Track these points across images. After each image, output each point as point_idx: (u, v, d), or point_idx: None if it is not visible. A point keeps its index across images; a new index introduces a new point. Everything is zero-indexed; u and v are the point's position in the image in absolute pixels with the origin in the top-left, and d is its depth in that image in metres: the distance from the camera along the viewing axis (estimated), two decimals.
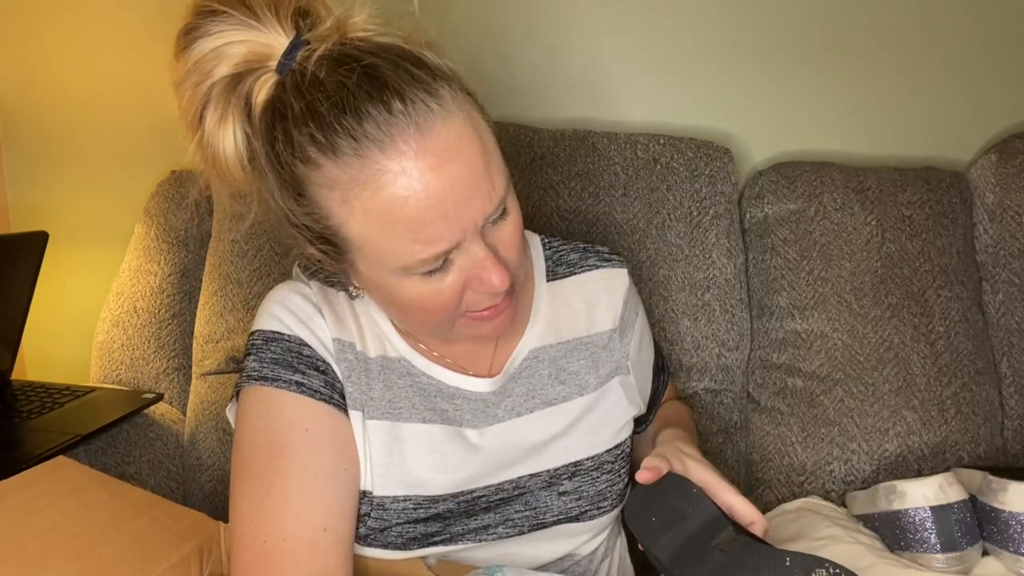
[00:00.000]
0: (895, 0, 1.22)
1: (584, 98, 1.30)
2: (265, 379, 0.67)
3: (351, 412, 0.69)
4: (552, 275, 0.80)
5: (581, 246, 0.83)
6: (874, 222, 1.13)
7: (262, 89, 0.61)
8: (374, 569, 0.70)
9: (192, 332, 1.23)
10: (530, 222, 1.16)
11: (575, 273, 0.81)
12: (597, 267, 0.81)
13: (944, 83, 1.25)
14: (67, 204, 1.43)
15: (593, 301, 0.80)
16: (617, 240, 1.14)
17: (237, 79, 0.61)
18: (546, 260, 0.81)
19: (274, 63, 0.60)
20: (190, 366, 1.22)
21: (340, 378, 0.69)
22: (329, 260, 0.66)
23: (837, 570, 0.55)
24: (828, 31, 1.24)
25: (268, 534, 0.62)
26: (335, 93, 0.57)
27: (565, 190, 1.16)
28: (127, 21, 1.36)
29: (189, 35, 0.62)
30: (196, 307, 1.23)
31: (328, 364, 0.69)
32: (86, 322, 1.32)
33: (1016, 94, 1.25)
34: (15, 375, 1.22)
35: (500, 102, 1.30)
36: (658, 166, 1.17)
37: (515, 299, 0.69)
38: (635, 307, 0.84)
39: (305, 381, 0.67)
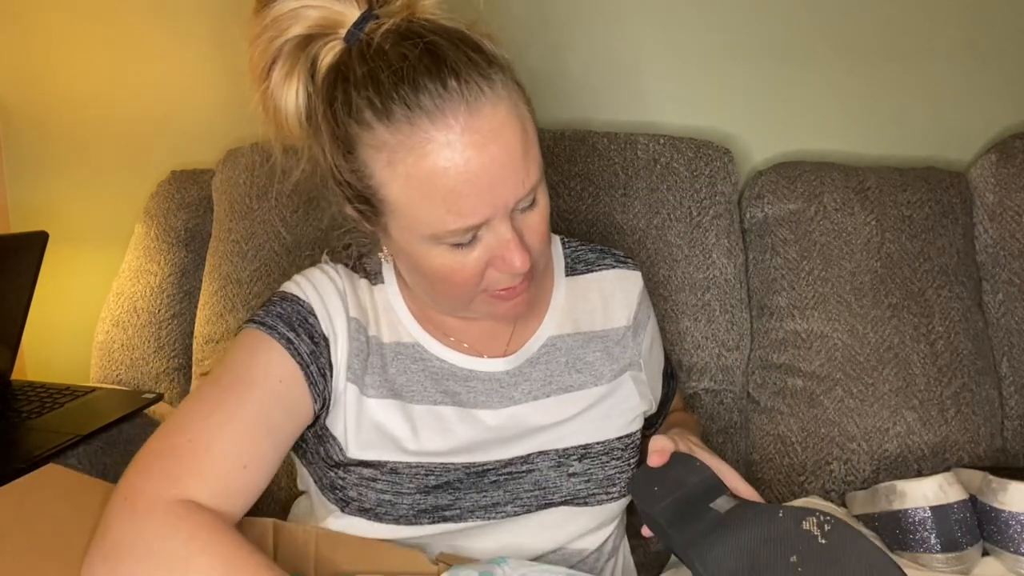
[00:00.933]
0: (895, 0, 1.22)
1: (584, 98, 1.30)
2: (264, 325, 0.71)
3: (349, 386, 0.71)
4: (571, 271, 0.84)
5: (598, 247, 0.87)
6: (874, 222, 1.13)
7: (328, 54, 0.65)
8: (376, 558, 0.70)
9: (192, 332, 1.23)
10: None
11: (592, 271, 0.85)
12: (613, 267, 0.85)
13: (944, 83, 1.25)
14: (67, 204, 1.43)
15: (609, 298, 0.83)
16: (617, 240, 1.15)
17: (308, 40, 0.66)
18: (565, 257, 0.85)
19: (343, 31, 0.65)
20: (190, 366, 1.22)
21: (339, 353, 0.72)
22: (364, 221, 0.70)
23: (827, 517, 0.56)
24: (828, 31, 1.24)
25: (196, 437, 0.64)
26: (396, 63, 0.61)
27: (565, 190, 1.16)
28: (127, 21, 1.36)
29: None
30: (196, 307, 1.23)
31: (326, 339, 0.72)
32: (86, 322, 1.32)
33: (1016, 94, 1.25)
34: (15, 375, 1.22)
35: None
36: (658, 166, 1.17)
37: (533, 286, 0.72)
38: (647, 310, 0.87)
39: (295, 341, 0.70)
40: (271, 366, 0.69)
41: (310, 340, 0.71)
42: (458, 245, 0.65)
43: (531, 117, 0.67)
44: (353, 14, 0.64)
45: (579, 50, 1.28)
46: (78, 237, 1.42)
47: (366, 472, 0.70)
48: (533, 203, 0.67)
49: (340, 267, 0.78)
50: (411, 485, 0.70)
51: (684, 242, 1.14)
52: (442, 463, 0.71)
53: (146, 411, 1.14)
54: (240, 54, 0.68)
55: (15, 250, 1.13)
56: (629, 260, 0.87)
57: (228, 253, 1.19)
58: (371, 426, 0.71)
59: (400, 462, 0.70)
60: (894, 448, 1.05)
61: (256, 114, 0.70)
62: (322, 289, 0.74)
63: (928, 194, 1.15)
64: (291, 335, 0.70)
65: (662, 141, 1.18)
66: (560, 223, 1.15)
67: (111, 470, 1.04)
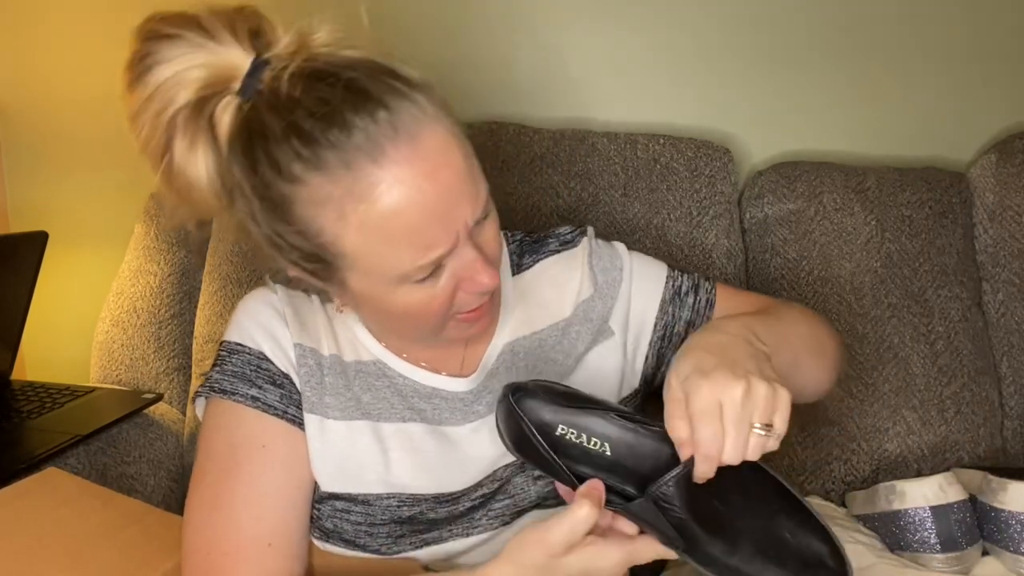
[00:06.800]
0: (895, 1, 1.22)
1: (584, 98, 1.30)
2: (224, 392, 0.69)
3: (307, 416, 0.69)
4: (516, 268, 0.81)
5: (542, 234, 0.83)
6: (874, 222, 1.13)
7: (225, 112, 0.60)
8: (367, 569, 0.70)
9: (192, 332, 1.23)
10: (530, 222, 1.17)
11: (539, 261, 0.81)
12: (557, 251, 0.81)
13: (944, 83, 1.25)
14: (67, 204, 1.43)
15: (559, 284, 0.79)
16: (617, 240, 1.14)
17: (201, 103, 0.60)
18: (510, 255, 0.81)
19: (237, 84, 0.59)
20: (190, 366, 1.22)
21: (299, 386, 0.70)
22: (315, 279, 0.65)
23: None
24: (828, 31, 1.24)
25: (211, 548, 0.64)
26: (317, 108, 0.56)
27: (565, 190, 1.16)
28: (127, 22, 1.36)
29: (142, 63, 0.61)
30: (196, 307, 1.23)
31: (288, 376, 0.70)
32: (86, 322, 1.32)
33: (1016, 94, 1.25)
34: (15, 375, 1.22)
35: (500, 102, 1.29)
36: (658, 166, 1.17)
37: (497, 297, 0.70)
38: (610, 261, 0.81)
39: (261, 396, 0.69)
40: (249, 436, 0.67)
41: (274, 386, 0.69)
42: (424, 279, 0.61)
43: (463, 132, 0.62)
44: (243, 63, 0.59)
45: (579, 50, 1.28)
46: (78, 237, 1.42)
47: (339, 504, 0.69)
48: (486, 215, 0.64)
49: (280, 288, 0.74)
50: (384, 516, 0.68)
51: (684, 242, 1.14)
52: (412, 495, 0.69)
53: (146, 411, 1.14)
54: None
55: (15, 250, 1.14)
56: (573, 236, 0.82)
57: (228, 253, 1.19)
58: (337, 455, 0.69)
59: (371, 493, 0.68)
60: (894, 448, 1.05)
61: (160, 196, 0.64)
62: (267, 323, 0.71)
63: (928, 194, 1.15)
64: (254, 391, 0.68)
65: (662, 141, 1.18)
66: (560, 223, 1.15)
67: (111, 470, 1.05)
